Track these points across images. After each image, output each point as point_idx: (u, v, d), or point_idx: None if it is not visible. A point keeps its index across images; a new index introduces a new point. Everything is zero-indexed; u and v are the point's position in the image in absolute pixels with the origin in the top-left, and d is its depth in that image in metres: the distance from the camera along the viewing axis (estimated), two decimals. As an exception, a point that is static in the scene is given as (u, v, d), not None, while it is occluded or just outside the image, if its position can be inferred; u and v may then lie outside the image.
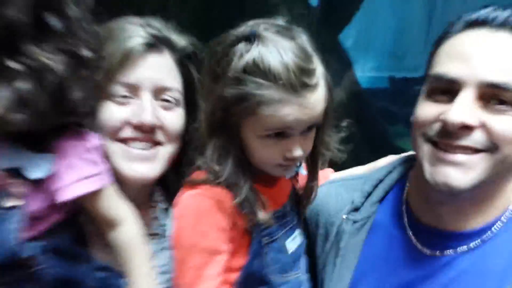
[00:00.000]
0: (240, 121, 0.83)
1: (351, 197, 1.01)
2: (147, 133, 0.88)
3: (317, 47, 0.86)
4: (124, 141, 0.88)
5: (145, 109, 0.86)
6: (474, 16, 0.85)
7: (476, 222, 0.86)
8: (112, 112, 0.86)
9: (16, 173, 0.74)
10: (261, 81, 0.78)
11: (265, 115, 0.79)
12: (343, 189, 1.05)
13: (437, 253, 0.88)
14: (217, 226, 0.84)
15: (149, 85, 0.87)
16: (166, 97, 0.90)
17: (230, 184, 0.84)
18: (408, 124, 0.93)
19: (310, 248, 1.04)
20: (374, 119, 3.85)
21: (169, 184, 0.98)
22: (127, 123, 0.87)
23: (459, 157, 0.80)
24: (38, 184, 0.75)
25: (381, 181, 1.02)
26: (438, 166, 0.82)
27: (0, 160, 0.73)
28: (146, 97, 0.87)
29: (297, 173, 0.99)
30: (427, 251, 0.89)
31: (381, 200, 1.00)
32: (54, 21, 0.70)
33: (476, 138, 0.79)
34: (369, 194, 1.00)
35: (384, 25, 6.26)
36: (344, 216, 0.99)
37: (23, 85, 0.66)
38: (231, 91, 0.80)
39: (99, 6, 0.77)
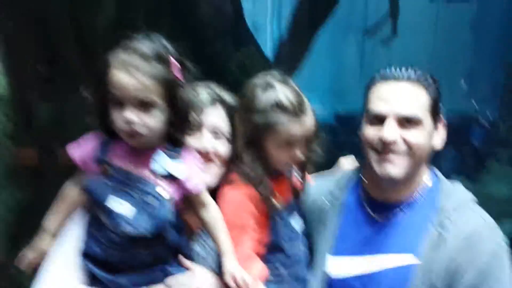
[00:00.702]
0: (265, 137, 1.20)
1: (328, 187, 1.38)
2: (205, 158, 1.22)
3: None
4: None
5: (205, 140, 1.23)
6: (385, 73, 1.25)
7: (405, 195, 1.26)
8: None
9: (163, 172, 1.09)
10: (278, 111, 1.17)
11: (280, 132, 1.18)
12: (323, 184, 1.41)
13: (383, 217, 1.27)
14: (248, 211, 1.20)
15: (209, 126, 1.25)
16: (220, 134, 1.26)
17: (256, 182, 1.20)
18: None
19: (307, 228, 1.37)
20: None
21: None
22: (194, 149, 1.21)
23: (393, 158, 1.20)
24: (175, 180, 1.10)
25: (345, 177, 1.39)
26: (382, 164, 1.21)
27: (152, 162, 1.08)
28: (206, 133, 1.24)
29: (292, 176, 1.34)
30: (377, 217, 1.28)
31: (346, 187, 1.36)
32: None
33: (401, 147, 1.19)
34: (340, 185, 1.37)
35: (324, 69, 6.98)
36: (325, 200, 1.35)
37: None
38: (259, 118, 1.19)
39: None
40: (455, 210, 1.21)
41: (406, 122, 1.19)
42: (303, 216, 1.38)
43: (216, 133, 1.26)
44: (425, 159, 1.27)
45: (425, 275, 1.15)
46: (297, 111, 1.19)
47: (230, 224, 1.20)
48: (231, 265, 1.13)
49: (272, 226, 1.24)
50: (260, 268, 1.21)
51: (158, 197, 1.07)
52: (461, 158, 6.04)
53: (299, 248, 1.31)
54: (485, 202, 1.31)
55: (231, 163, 1.27)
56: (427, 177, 1.31)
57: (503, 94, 6.68)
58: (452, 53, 7.08)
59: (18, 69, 2.74)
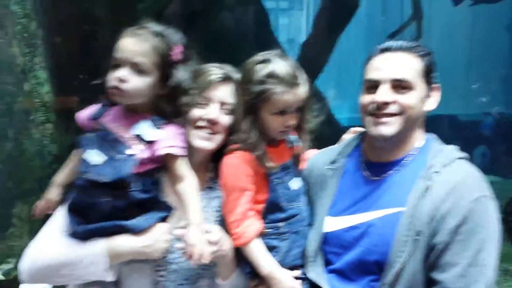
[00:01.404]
0: (261, 105, 1.29)
1: (330, 156, 1.44)
2: (212, 125, 1.33)
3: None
4: (198, 128, 1.33)
5: (213, 111, 1.33)
6: (383, 45, 1.30)
7: (398, 155, 1.30)
8: (195, 112, 1.32)
9: (139, 136, 1.21)
10: (273, 81, 1.26)
11: (275, 100, 1.26)
12: (325, 153, 1.48)
13: (379, 176, 1.31)
14: (245, 173, 1.30)
15: (217, 99, 1.35)
16: (226, 107, 1.35)
17: (253, 146, 1.29)
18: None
19: (309, 193, 1.44)
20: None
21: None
22: (202, 118, 1.33)
23: (386, 119, 1.25)
24: (149, 144, 1.21)
25: (348, 145, 1.45)
26: (376, 126, 1.26)
27: (135, 128, 1.21)
28: (215, 105, 1.34)
29: (293, 145, 1.42)
30: (374, 177, 1.32)
31: (349, 155, 1.42)
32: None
33: (393, 108, 1.24)
34: (342, 152, 1.43)
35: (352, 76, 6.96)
36: (326, 167, 1.42)
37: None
38: (256, 88, 1.27)
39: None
40: (444, 166, 1.23)
41: (400, 87, 1.24)
42: (306, 181, 1.45)
43: (223, 106, 1.37)
44: (417, 121, 1.31)
45: (411, 221, 1.18)
46: (291, 82, 1.27)
47: (230, 186, 1.31)
48: (195, 238, 1.17)
49: (270, 186, 1.33)
50: (257, 225, 1.30)
51: (126, 155, 1.19)
52: (495, 156, 5.83)
53: (298, 207, 1.38)
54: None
55: (232, 135, 1.36)
56: (421, 140, 1.34)
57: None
58: (487, 56, 6.86)
59: (62, 77, 3.02)
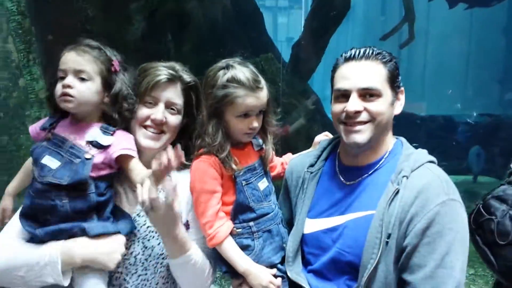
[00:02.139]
0: (225, 109, 1.31)
1: (308, 160, 1.45)
2: (158, 125, 1.33)
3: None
4: (145, 127, 1.33)
5: (159, 112, 1.33)
6: (346, 54, 1.31)
7: (371, 159, 1.31)
8: (143, 111, 1.33)
9: (92, 142, 1.24)
10: (235, 85, 1.29)
11: (238, 103, 1.29)
12: (304, 157, 1.50)
13: (354, 180, 1.32)
14: (212, 176, 1.31)
15: (164, 100, 1.34)
16: (172, 107, 1.35)
17: (218, 149, 1.30)
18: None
19: (289, 196, 1.48)
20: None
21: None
22: (149, 118, 1.32)
23: (358, 127, 1.26)
24: (104, 148, 1.24)
25: (325, 149, 1.47)
26: (349, 134, 1.28)
27: (87, 135, 1.25)
28: (161, 105, 1.34)
29: (262, 148, 1.44)
30: (348, 182, 1.33)
31: (326, 159, 1.44)
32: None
33: (364, 116, 1.25)
34: (319, 157, 1.45)
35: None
36: (306, 170, 1.43)
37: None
38: (220, 92, 1.30)
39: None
40: (412, 170, 1.24)
41: (368, 95, 1.26)
42: (286, 184, 1.49)
43: (170, 106, 1.37)
44: (388, 126, 1.32)
45: (381, 224, 1.19)
46: (253, 86, 1.31)
47: (199, 190, 1.32)
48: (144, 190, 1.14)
49: (237, 188, 1.35)
50: (228, 224, 1.32)
51: (82, 159, 1.22)
52: (492, 158, 5.85)
53: (269, 207, 1.39)
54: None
55: (197, 140, 1.38)
56: (391, 143, 1.36)
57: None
58: (484, 58, 6.84)
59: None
